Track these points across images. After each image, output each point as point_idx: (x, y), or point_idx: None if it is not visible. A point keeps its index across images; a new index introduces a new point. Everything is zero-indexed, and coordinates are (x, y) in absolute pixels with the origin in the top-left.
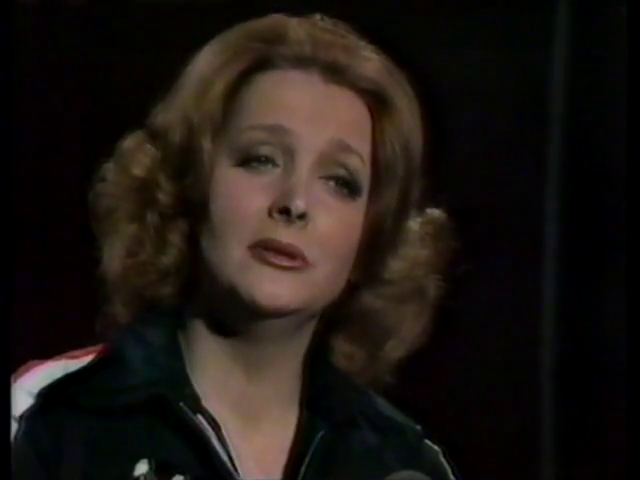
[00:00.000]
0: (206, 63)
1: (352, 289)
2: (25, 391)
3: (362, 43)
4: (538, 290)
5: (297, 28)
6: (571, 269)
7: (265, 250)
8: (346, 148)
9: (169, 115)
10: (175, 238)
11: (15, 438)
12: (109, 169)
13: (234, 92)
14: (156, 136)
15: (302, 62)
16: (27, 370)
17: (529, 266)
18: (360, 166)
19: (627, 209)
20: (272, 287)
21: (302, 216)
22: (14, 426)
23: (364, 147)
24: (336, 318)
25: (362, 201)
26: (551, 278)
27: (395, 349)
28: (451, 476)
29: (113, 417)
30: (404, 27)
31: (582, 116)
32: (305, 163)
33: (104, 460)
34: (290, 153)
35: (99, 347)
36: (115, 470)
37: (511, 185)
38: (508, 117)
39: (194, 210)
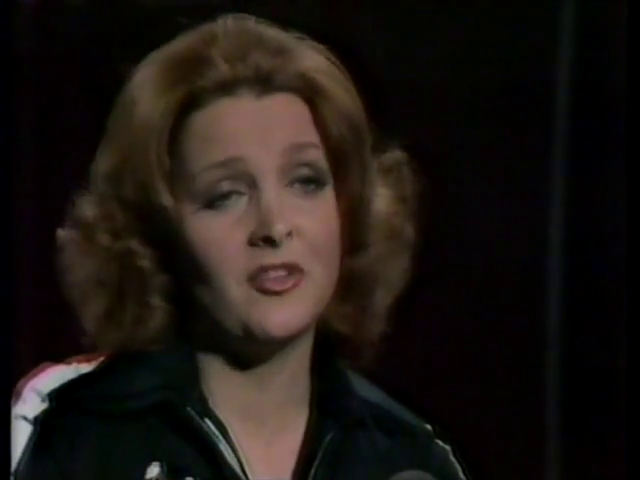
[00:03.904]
0: (140, 109)
1: None
2: (36, 393)
3: (281, 37)
4: (542, 288)
5: (212, 51)
6: (575, 265)
7: (264, 278)
8: (301, 146)
9: (115, 174)
10: (157, 301)
11: (29, 441)
12: (70, 239)
13: (173, 138)
14: (112, 201)
15: (227, 88)
16: (39, 372)
17: (533, 265)
18: (319, 155)
19: (627, 207)
20: (282, 316)
21: (288, 235)
22: (27, 428)
23: (315, 137)
24: None
25: (330, 188)
26: (555, 276)
27: (385, 297)
28: (461, 475)
29: (123, 420)
30: (406, 26)
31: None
32: (269, 182)
33: (116, 463)
34: (251, 179)
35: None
36: (127, 473)
37: (515, 198)
38: (511, 114)
39: (174, 265)
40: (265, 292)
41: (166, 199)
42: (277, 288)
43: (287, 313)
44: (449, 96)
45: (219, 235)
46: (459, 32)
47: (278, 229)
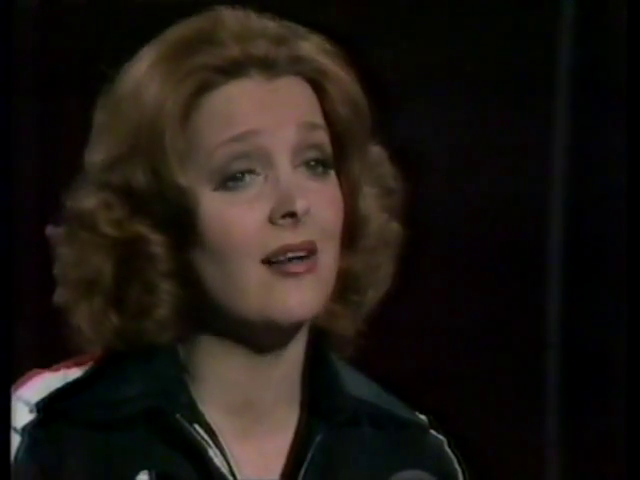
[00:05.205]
0: (150, 92)
1: None
2: (24, 402)
3: (281, 25)
4: (542, 292)
5: (221, 33)
6: (574, 269)
7: (282, 261)
8: (312, 126)
9: (118, 160)
10: (168, 285)
11: (17, 451)
12: (68, 233)
13: (185, 118)
14: (116, 188)
15: (239, 68)
16: (27, 380)
17: (532, 269)
18: (326, 138)
19: (628, 209)
20: (301, 297)
21: (306, 212)
22: (15, 438)
23: (322, 121)
24: None
25: (333, 173)
26: (555, 279)
27: (373, 297)
28: (456, 466)
29: (112, 429)
30: (411, 26)
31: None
32: (285, 160)
33: (105, 473)
34: (267, 156)
35: (97, 354)
36: None
37: (518, 195)
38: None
39: (186, 249)
40: (283, 275)
41: (182, 179)
42: (295, 270)
43: (305, 294)
44: (448, 97)
45: (237, 215)
46: (459, 32)
47: (301, 204)
